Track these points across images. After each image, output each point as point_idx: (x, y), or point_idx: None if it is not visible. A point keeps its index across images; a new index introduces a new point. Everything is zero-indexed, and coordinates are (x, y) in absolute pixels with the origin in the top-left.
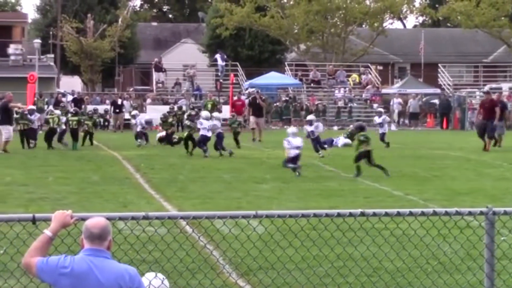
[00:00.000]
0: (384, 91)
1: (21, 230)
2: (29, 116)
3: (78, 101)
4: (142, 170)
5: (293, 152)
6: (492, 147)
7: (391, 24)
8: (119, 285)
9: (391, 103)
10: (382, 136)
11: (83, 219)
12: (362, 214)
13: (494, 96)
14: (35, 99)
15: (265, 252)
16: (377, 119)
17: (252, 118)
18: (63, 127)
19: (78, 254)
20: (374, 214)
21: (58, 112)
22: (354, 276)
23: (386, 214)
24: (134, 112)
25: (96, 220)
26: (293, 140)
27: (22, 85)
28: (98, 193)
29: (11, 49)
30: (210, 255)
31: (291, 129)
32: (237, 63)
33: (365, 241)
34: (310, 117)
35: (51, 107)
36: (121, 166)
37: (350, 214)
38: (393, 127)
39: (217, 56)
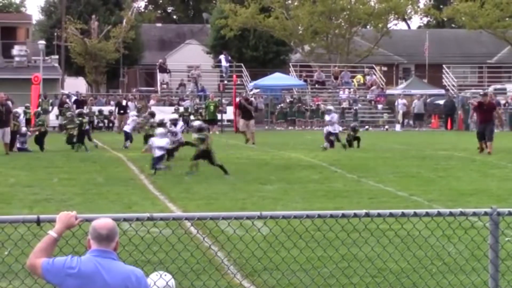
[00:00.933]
0: (388, 92)
1: (26, 231)
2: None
3: (80, 103)
4: (146, 171)
5: (157, 152)
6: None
7: (396, 25)
8: (125, 286)
9: (396, 104)
10: (329, 135)
11: (88, 220)
12: (367, 215)
13: (489, 98)
14: (40, 100)
15: (270, 253)
16: (327, 117)
17: (241, 121)
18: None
19: (84, 255)
20: (379, 215)
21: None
22: (359, 277)
23: (391, 214)
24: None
25: (104, 221)
26: (156, 141)
27: (27, 86)
28: (102, 194)
29: (16, 50)
30: (214, 256)
31: (159, 129)
32: (242, 64)
33: (370, 242)
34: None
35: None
36: (126, 167)
37: (355, 215)
38: (397, 127)
39: (221, 57)
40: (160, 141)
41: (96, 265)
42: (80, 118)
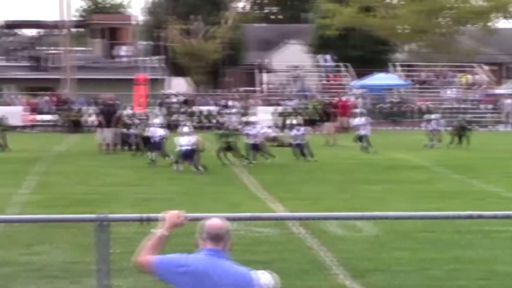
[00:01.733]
0: (494, 91)
1: (132, 230)
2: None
3: (186, 103)
4: (251, 170)
5: (181, 150)
6: None
7: (502, 24)
8: (237, 286)
9: (502, 104)
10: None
11: (194, 220)
12: (470, 216)
13: None
14: (147, 100)
15: (377, 254)
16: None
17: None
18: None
19: (197, 253)
20: (481, 217)
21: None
22: (468, 279)
23: (495, 216)
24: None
25: (217, 221)
26: (181, 139)
27: (131, 87)
28: (207, 194)
29: (120, 51)
30: (321, 256)
31: (184, 128)
32: (344, 64)
33: (479, 244)
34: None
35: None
36: (229, 167)
37: (460, 217)
38: (503, 127)
39: (324, 56)
40: (183, 140)
41: (209, 264)
42: (194, 118)
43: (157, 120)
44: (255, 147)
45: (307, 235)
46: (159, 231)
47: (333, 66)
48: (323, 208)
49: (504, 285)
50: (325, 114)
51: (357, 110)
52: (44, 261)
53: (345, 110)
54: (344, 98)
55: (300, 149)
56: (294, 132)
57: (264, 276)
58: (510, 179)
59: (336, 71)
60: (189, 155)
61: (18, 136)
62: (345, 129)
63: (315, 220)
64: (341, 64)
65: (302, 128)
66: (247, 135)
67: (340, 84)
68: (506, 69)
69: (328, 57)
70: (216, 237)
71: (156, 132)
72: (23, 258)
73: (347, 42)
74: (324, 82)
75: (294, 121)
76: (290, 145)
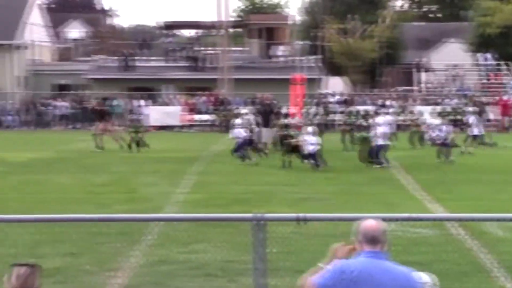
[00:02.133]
0: None
1: (289, 230)
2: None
3: (345, 102)
4: (408, 170)
5: (310, 148)
6: None
7: None
8: (400, 286)
9: None
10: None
11: (344, 220)
12: None
13: None
14: (304, 100)
15: None
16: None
17: None
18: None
19: (357, 257)
20: None
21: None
22: None
23: None
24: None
25: (373, 222)
26: (308, 138)
27: (287, 87)
28: (363, 194)
29: (277, 50)
30: (480, 258)
31: (309, 128)
32: (505, 62)
33: None
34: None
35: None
36: (385, 167)
37: None
38: None
39: (484, 55)
40: (312, 139)
41: (372, 267)
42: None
43: (239, 121)
44: (380, 149)
45: (467, 237)
46: (326, 267)
47: (493, 64)
48: (482, 209)
49: None
50: (477, 112)
51: (470, 109)
52: (202, 259)
53: (506, 109)
54: (504, 98)
55: (446, 148)
56: (436, 132)
57: (424, 276)
58: None
59: (497, 69)
60: (315, 154)
61: (176, 135)
62: (505, 129)
63: (474, 221)
64: (502, 62)
65: (444, 128)
66: (374, 137)
67: (501, 83)
68: None
69: (488, 55)
70: (373, 239)
71: (239, 133)
72: (182, 256)
73: (508, 40)
74: (484, 81)
75: (437, 121)
76: (456, 145)
